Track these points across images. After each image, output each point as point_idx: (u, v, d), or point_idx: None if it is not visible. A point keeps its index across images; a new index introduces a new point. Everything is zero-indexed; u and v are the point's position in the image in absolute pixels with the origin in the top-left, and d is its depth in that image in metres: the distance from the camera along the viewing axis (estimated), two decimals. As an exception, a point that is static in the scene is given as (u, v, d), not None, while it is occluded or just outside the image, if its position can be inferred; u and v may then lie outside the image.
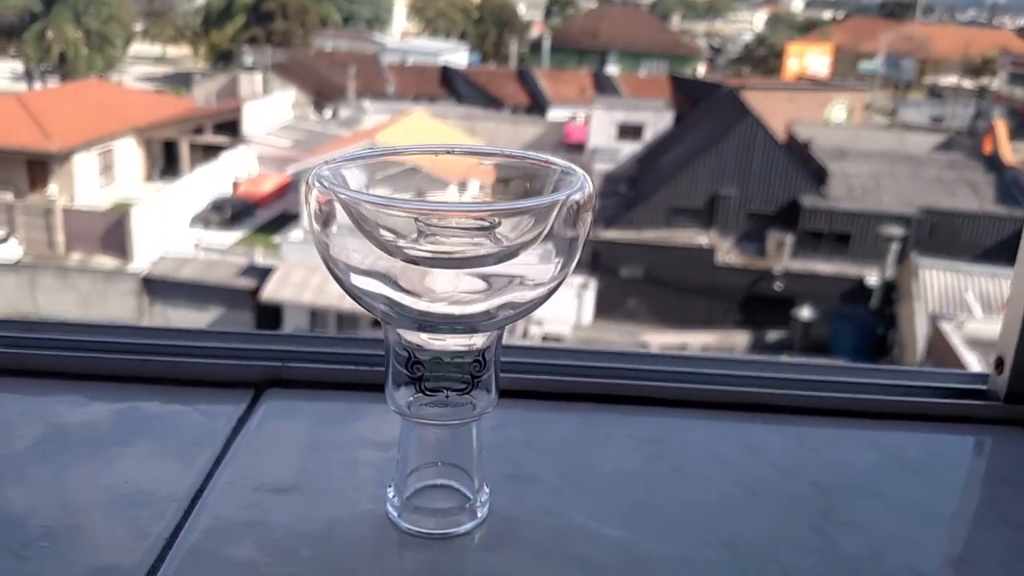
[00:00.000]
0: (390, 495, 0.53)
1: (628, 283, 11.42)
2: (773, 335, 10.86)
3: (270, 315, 10.19)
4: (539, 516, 0.54)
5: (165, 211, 11.94)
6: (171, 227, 11.81)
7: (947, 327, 8.04)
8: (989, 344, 7.54)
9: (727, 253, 12.09)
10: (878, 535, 0.54)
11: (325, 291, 9.83)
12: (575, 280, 10.32)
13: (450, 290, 0.47)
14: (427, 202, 0.49)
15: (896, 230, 11.13)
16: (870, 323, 10.46)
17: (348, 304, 9.58)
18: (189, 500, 0.54)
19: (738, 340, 10.65)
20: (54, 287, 10.58)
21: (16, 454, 0.58)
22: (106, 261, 11.26)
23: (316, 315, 10.06)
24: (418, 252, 0.46)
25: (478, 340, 0.48)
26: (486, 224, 0.46)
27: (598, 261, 11.49)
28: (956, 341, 7.74)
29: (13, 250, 11.20)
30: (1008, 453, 0.65)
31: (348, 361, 0.67)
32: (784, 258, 11.81)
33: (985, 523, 0.56)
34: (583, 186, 0.48)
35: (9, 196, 12.00)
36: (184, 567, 0.49)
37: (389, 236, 0.46)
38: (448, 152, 0.52)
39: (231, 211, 13.02)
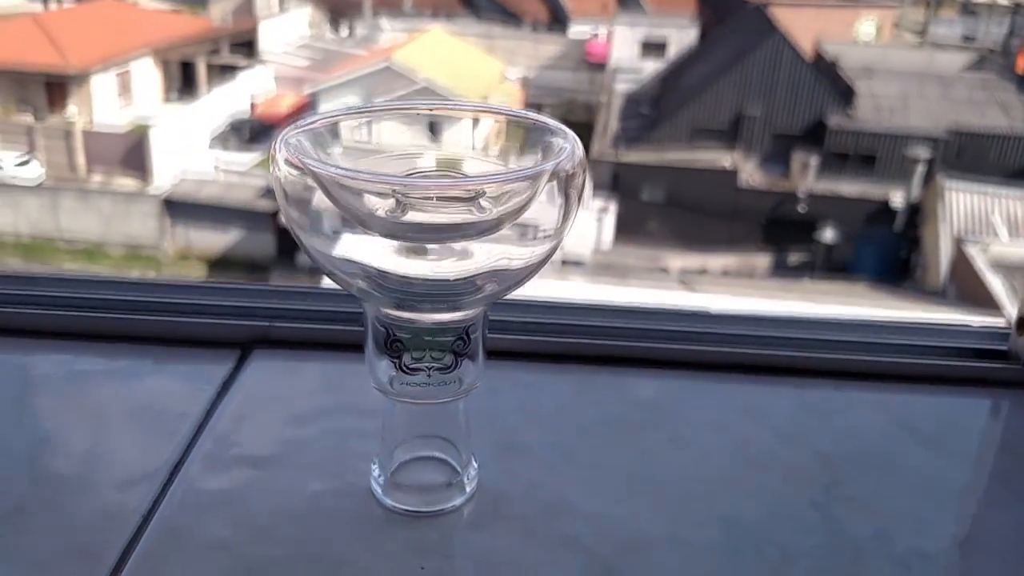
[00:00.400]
0: (374, 471, 0.51)
1: (649, 206, 11.31)
2: (794, 257, 10.77)
3: (291, 236, 10.16)
4: (530, 491, 0.52)
5: (184, 132, 11.88)
6: (190, 148, 11.76)
7: (972, 250, 7.93)
8: (1014, 267, 7.45)
9: (751, 175, 11.93)
10: (884, 513, 0.52)
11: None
12: (595, 203, 10.22)
13: (432, 263, 0.44)
14: (405, 177, 0.45)
15: (923, 151, 10.92)
16: (893, 246, 10.35)
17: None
18: (167, 473, 0.52)
19: (759, 263, 10.57)
20: (76, 209, 10.61)
21: (-8, 421, 0.56)
22: (127, 182, 11.25)
23: (337, 237, 10.03)
24: (396, 224, 0.43)
25: (461, 316, 0.46)
26: (469, 195, 0.43)
27: (619, 184, 11.37)
28: (980, 264, 7.64)
29: (35, 172, 11.21)
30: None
31: (338, 319, 0.65)
32: (808, 179, 11.63)
33: (997, 500, 0.54)
34: (573, 151, 0.44)
35: (29, 118, 11.97)
36: (159, 547, 0.47)
37: (365, 208, 0.43)
38: (428, 110, 0.49)
39: (249, 132, 12.94)
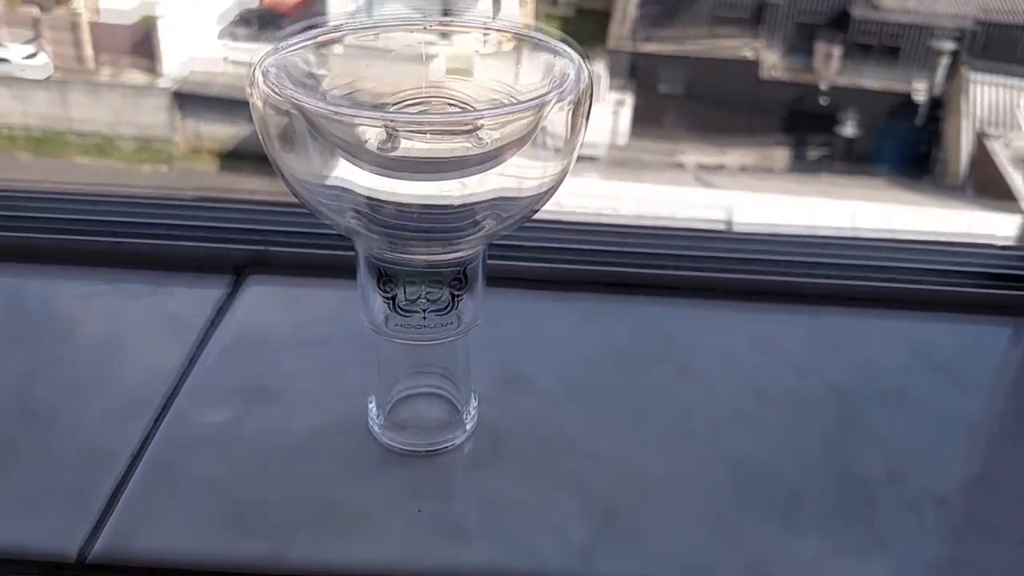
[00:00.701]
0: (371, 409, 0.49)
1: (667, 99, 11.10)
2: (814, 152, 10.61)
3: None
4: (531, 427, 0.50)
5: (192, 23, 11.67)
6: (199, 40, 11.56)
7: (994, 145, 7.77)
8: (1037, 162, 7.30)
9: (772, 67, 11.66)
10: (899, 451, 0.50)
11: (357, 107, 9.66)
12: (611, 96, 10.03)
13: (426, 194, 0.42)
14: (397, 113, 0.42)
15: (948, 43, 10.61)
16: (914, 140, 10.16)
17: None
18: (158, 408, 0.51)
19: (778, 157, 10.42)
20: (86, 103, 10.50)
21: (-20, 351, 0.55)
22: (136, 75, 11.11)
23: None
24: (388, 157, 0.40)
25: (458, 256, 0.43)
26: (467, 128, 0.40)
27: (636, 75, 11.14)
28: (1002, 159, 7.49)
29: (43, 64, 11.07)
30: (1048, 350, 0.60)
31: (335, 243, 0.63)
32: (831, 72, 11.37)
33: (1012, 437, 0.52)
34: (579, 77, 0.41)
35: (35, 10, 11.75)
36: (149, 488, 0.46)
37: (353, 139, 0.40)
38: (423, 28, 0.46)
39: (258, 23, 12.70)
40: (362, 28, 0.45)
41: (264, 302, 0.60)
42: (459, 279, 0.44)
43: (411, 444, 0.48)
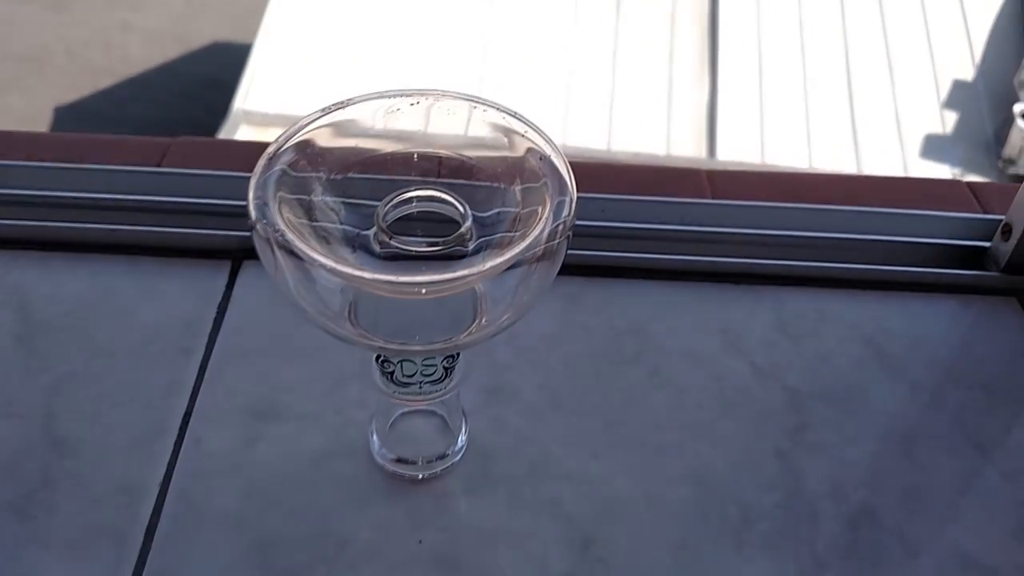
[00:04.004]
0: (373, 441, 0.54)
1: None
2: None
3: None
4: (517, 445, 0.56)
5: None
6: None
7: None
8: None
9: None
10: (841, 463, 0.56)
11: None
12: None
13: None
14: (381, 281, 0.43)
15: None
16: None
17: None
18: (176, 431, 0.55)
19: None
20: None
21: None
22: None
23: None
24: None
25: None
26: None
27: None
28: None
29: None
30: (993, 332, 0.65)
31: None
32: None
33: (948, 445, 0.58)
34: (569, 205, 0.43)
35: None
36: (179, 525, 0.52)
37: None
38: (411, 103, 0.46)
39: None
40: (340, 108, 0.46)
41: (261, 302, 0.63)
42: (452, 355, 0.48)
43: (408, 470, 0.54)
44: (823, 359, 0.62)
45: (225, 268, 0.64)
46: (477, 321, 0.45)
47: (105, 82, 4.52)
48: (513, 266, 0.41)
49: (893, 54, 4.04)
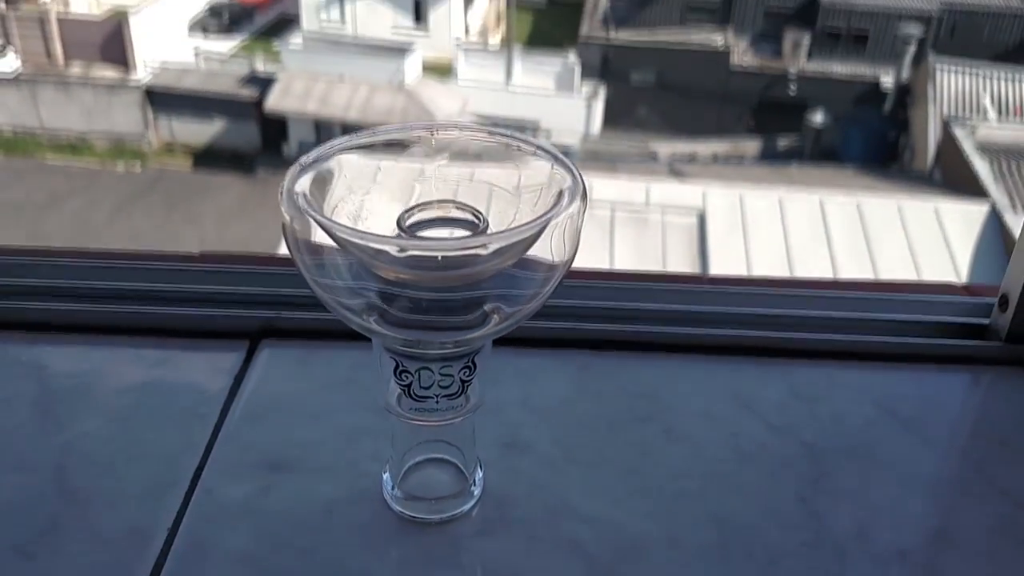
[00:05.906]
0: (386, 482, 0.53)
1: (639, 90, 11.16)
2: (784, 142, 10.71)
3: (275, 126, 10.07)
4: (533, 492, 0.55)
5: (162, 17, 11.57)
6: (169, 34, 11.47)
7: (959, 132, 7.89)
8: (1000, 149, 7.42)
9: (742, 54, 11.73)
10: (866, 507, 0.55)
11: (329, 102, 9.66)
12: (584, 89, 10.07)
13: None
14: (411, 240, 0.46)
15: (914, 29, 10.74)
16: (881, 128, 10.28)
17: (353, 115, 9.44)
18: (188, 482, 0.55)
19: (749, 148, 10.51)
20: (57, 100, 10.41)
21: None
22: (107, 72, 11.01)
23: (320, 127, 9.93)
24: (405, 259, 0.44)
25: (467, 347, 0.48)
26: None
27: (608, 67, 11.19)
28: (967, 147, 7.61)
29: (11, 63, 10.94)
30: (1004, 400, 0.65)
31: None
32: (800, 60, 11.47)
33: (974, 490, 0.57)
34: (573, 195, 0.45)
35: (1, 5, 11.61)
36: (186, 564, 0.50)
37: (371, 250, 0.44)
38: (431, 136, 0.50)
39: (228, 16, 12.62)
40: (377, 137, 0.49)
41: (277, 373, 0.64)
42: (468, 367, 0.49)
43: (423, 514, 0.53)
44: (837, 419, 0.62)
45: (243, 347, 0.66)
46: (492, 317, 0.46)
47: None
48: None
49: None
